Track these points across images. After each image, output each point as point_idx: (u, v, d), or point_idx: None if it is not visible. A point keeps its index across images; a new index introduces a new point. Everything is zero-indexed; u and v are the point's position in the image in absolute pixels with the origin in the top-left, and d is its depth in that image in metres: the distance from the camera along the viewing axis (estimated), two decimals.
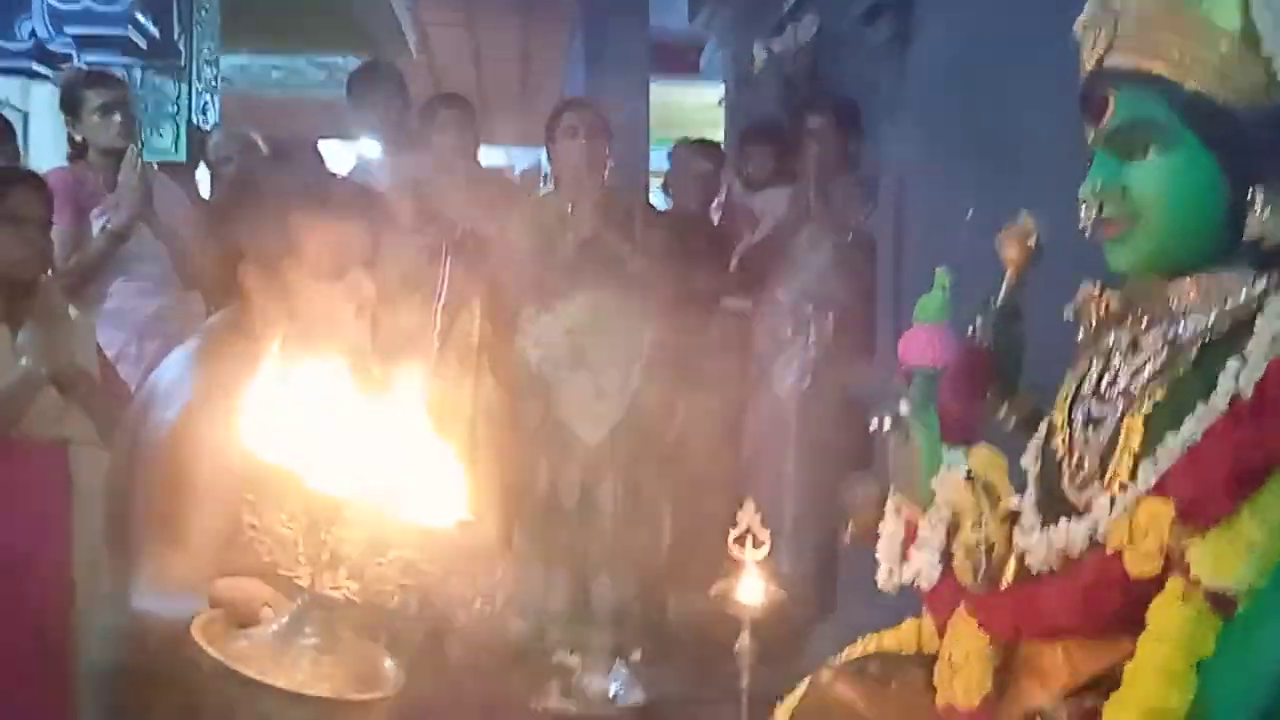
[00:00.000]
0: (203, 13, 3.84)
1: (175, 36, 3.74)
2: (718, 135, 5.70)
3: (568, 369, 3.25)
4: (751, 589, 1.83)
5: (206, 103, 3.85)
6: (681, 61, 6.96)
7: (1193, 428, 1.08)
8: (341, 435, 1.02)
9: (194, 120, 3.80)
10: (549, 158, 3.47)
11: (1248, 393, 1.06)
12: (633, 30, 6.00)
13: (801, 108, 3.76)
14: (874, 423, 1.39)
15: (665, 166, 4.93)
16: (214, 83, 3.94)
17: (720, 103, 5.89)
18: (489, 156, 3.59)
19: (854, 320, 3.30)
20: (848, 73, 3.73)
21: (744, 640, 1.83)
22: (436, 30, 7.75)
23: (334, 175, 2.16)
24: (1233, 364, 1.08)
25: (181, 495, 1.37)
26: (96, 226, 3.05)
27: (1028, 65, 2.27)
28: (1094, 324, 1.38)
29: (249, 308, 1.53)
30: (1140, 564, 1.03)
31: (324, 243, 1.49)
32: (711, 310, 3.66)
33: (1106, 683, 1.09)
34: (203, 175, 3.81)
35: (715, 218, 4.08)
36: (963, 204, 2.33)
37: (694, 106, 7.94)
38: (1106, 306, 1.37)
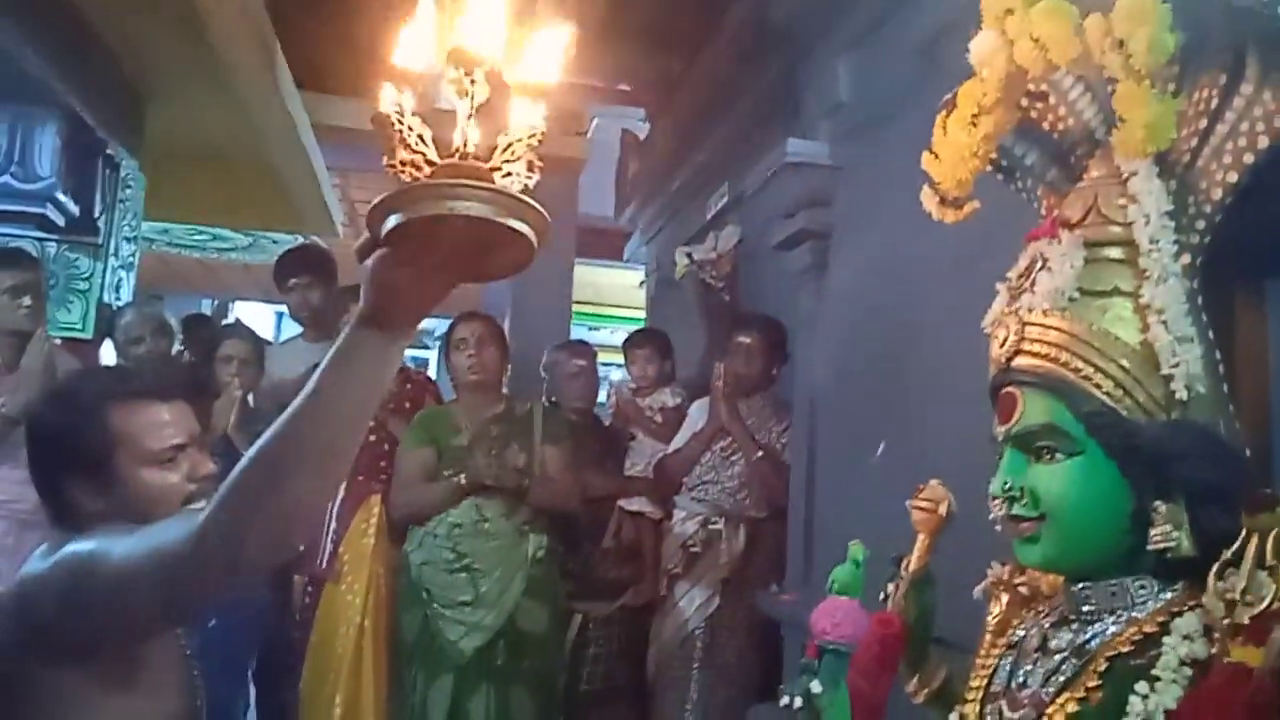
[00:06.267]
0: (127, 190, 3.76)
1: (96, 215, 3.60)
2: (640, 313, 5.86)
3: (446, 571, 3.05)
4: None
5: (121, 279, 3.72)
6: (607, 246, 7.26)
7: None
8: None
9: (105, 297, 3.68)
10: (446, 368, 3.34)
11: (1157, 718, 1.04)
12: (562, 220, 6.16)
13: (731, 322, 3.75)
14: (784, 699, 1.34)
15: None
16: (131, 259, 3.83)
17: (641, 285, 6.06)
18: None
19: (765, 538, 3.28)
20: (767, 287, 3.80)
21: None
22: (364, 209, 7.73)
23: (138, 372, 1.95)
24: (1141, 686, 1.07)
25: None
26: None
27: (937, 309, 2.33)
28: (1004, 606, 1.38)
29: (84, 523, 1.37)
30: None
31: (148, 424, 1.41)
32: (608, 511, 3.55)
33: None
34: (108, 352, 3.68)
35: (606, 418, 4.05)
36: (874, 435, 2.34)
37: (617, 287, 8.20)
38: (1016, 590, 1.37)
